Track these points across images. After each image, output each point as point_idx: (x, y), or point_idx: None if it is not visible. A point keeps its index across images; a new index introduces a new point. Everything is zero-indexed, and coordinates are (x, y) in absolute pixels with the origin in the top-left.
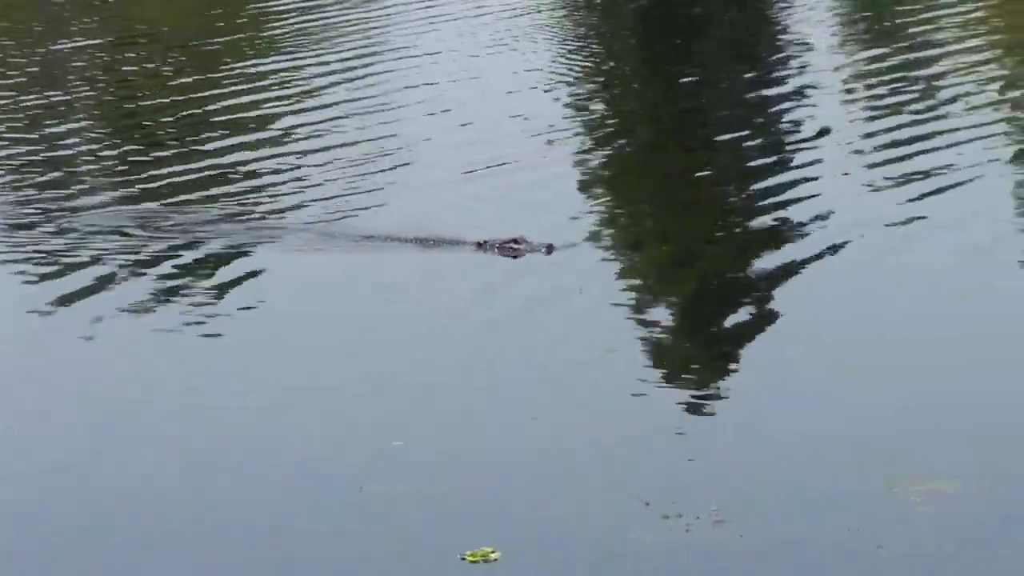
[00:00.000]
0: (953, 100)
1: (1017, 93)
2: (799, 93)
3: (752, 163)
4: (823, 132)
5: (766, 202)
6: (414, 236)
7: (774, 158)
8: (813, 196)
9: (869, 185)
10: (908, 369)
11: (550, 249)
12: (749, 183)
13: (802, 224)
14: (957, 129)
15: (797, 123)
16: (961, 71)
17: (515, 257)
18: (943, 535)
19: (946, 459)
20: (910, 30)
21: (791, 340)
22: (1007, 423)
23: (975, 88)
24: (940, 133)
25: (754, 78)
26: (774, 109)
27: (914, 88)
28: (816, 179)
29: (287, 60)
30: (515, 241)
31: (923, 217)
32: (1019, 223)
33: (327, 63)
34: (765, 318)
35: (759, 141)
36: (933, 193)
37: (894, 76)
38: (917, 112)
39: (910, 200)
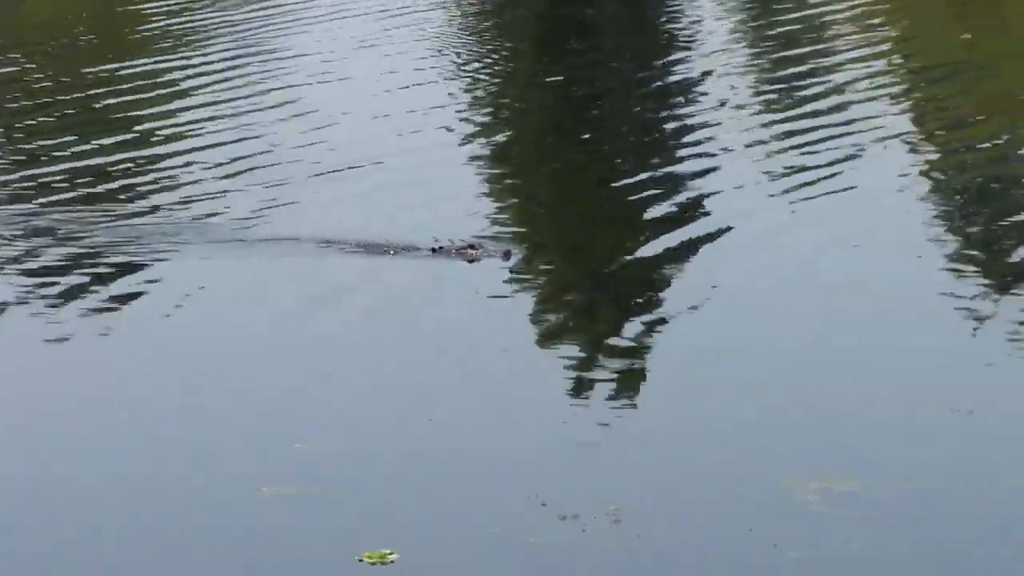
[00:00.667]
0: (840, 90)
1: (900, 83)
2: (689, 88)
3: (641, 158)
4: (713, 123)
5: (656, 194)
6: (368, 241)
7: (663, 152)
8: (704, 187)
9: (759, 175)
10: (805, 367)
11: (507, 255)
12: (637, 177)
13: (693, 218)
14: (842, 119)
15: (686, 116)
16: (846, 61)
17: (471, 262)
18: (839, 534)
19: (841, 458)
20: (797, 24)
21: (687, 341)
22: (901, 420)
23: (860, 76)
24: (826, 123)
25: (644, 75)
26: (664, 104)
27: (801, 79)
28: (707, 170)
29: (158, 61)
30: (471, 247)
31: (811, 209)
32: (900, 212)
33: (200, 64)
34: (662, 318)
35: (648, 137)
36: (818, 182)
37: (782, 68)
38: (804, 102)
39: (799, 190)
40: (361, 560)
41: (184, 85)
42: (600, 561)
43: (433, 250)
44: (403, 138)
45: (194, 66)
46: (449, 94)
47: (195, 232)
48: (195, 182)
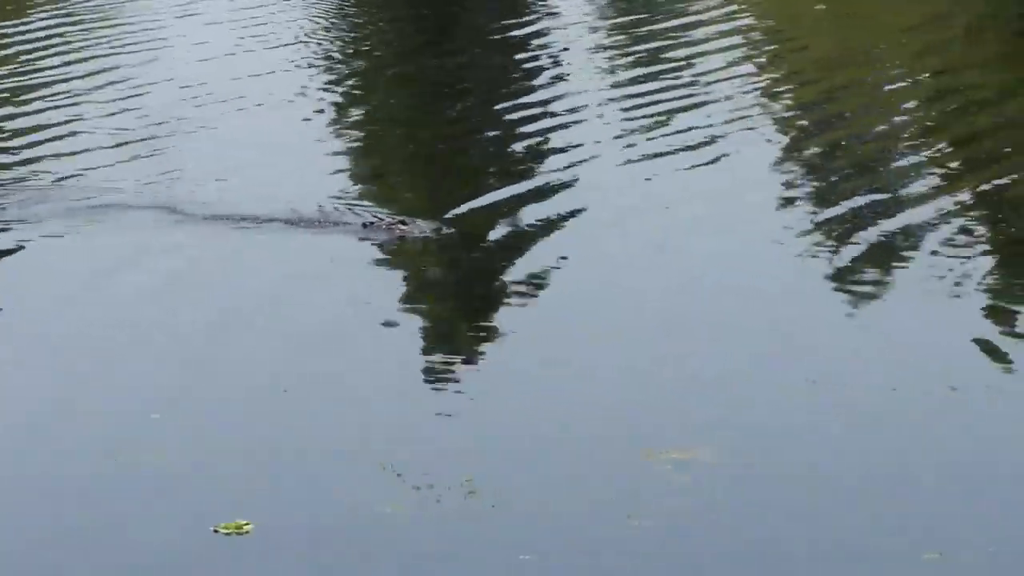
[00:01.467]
0: (707, 82)
1: (772, 72)
2: (556, 77)
3: (510, 142)
4: (578, 108)
5: (519, 171)
6: (296, 217)
7: (530, 138)
8: (565, 163)
9: (624, 160)
10: (664, 338)
11: (438, 231)
12: (505, 160)
13: (555, 192)
14: (701, 96)
15: (552, 103)
16: (714, 52)
17: (402, 238)
18: (697, 503)
19: (700, 428)
20: (669, 17)
21: (545, 313)
22: (757, 390)
23: (728, 66)
24: (693, 111)
25: (514, 61)
26: (533, 92)
27: (669, 69)
28: (571, 156)
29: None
30: (403, 222)
31: (679, 191)
32: (767, 198)
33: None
34: (520, 291)
35: (515, 120)
36: (687, 168)
37: (649, 57)
38: (670, 91)
39: (666, 173)
40: (217, 531)
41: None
42: (454, 532)
43: (364, 225)
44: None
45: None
46: (316, 76)
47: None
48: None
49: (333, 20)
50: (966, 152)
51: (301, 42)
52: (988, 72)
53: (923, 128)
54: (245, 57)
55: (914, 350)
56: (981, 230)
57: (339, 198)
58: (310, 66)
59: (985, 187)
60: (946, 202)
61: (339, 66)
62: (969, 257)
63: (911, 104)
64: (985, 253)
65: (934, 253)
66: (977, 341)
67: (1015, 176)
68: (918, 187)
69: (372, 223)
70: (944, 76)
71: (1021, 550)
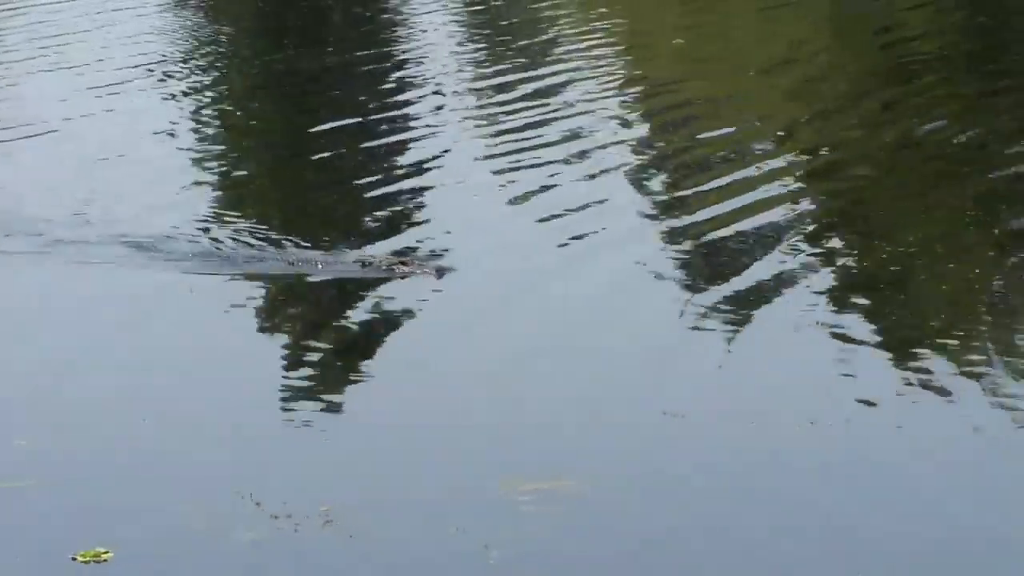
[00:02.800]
0: (569, 89)
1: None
2: (417, 84)
3: (358, 140)
4: (438, 108)
5: (375, 180)
6: (290, 259)
7: (382, 138)
8: (418, 167)
9: (473, 159)
10: (523, 368)
11: (440, 272)
12: (360, 168)
13: (410, 214)
14: (574, 120)
15: (411, 105)
16: (578, 61)
17: (403, 278)
18: (550, 534)
19: (561, 460)
20: (534, 24)
21: (407, 337)
22: (616, 420)
23: (591, 75)
24: (556, 122)
25: (378, 68)
26: (393, 98)
27: (531, 80)
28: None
29: None
30: (403, 262)
31: (540, 220)
32: (628, 228)
33: None
34: (382, 311)
35: (375, 127)
36: (549, 187)
37: (502, 58)
38: (532, 102)
39: (513, 176)
40: (75, 559)
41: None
42: (311, 560)
43: (362, 265)
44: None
45: None
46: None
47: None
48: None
49: (185, 29)
50: (827, 184)
51: (152, 56)
52: (851, 100)
53: (784, 161)
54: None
55: (773, 381)
56: (844, 260)
57: (212, 220)
58: (162, 81)
59: (847, 213)
60: (809, 232)
61: (194, 78)
62: (828, 290)
63: (771, 139)
64: (843, 283)
65: (794, 282)
66: (838, 373)
67: (875, 202)
68: (778, 218)
69: (370, 263)
70: (806, 99)
71: None
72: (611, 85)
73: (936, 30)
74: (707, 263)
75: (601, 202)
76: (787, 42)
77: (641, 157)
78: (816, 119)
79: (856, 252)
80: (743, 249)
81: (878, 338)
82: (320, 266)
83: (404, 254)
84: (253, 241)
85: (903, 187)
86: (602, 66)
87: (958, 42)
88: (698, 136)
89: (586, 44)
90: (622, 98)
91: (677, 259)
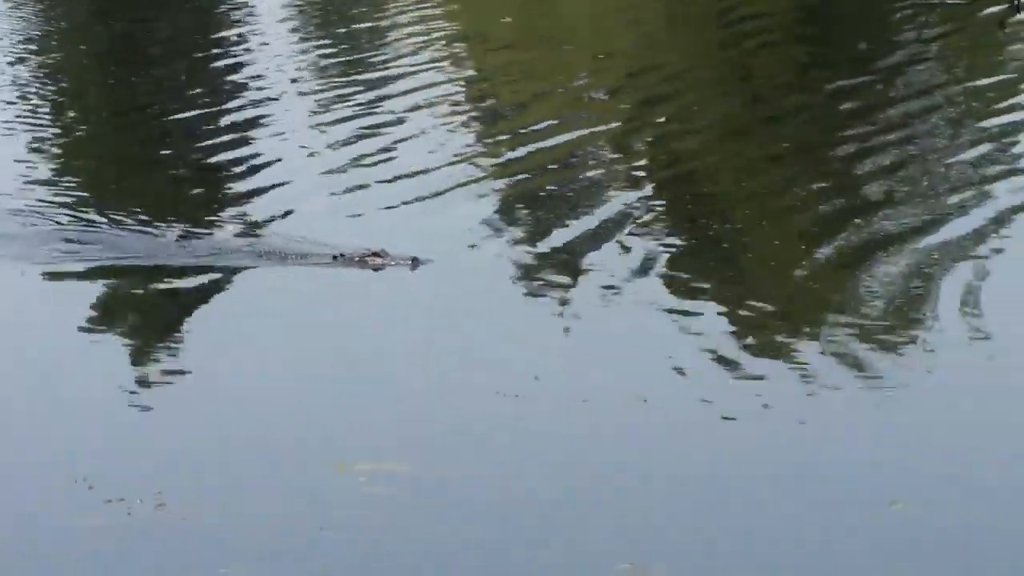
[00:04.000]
0: (404, 90)
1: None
2: (248, 86)
3: (203, 151)
4: (272, 98)
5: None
6: (260, 249)
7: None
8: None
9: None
10: (360, 355)
11: (415, 262)
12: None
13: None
14: (402, 100)
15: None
16: (409, 58)
17: (376, 270)
18: (390, 514)
19: (395, 441)
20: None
21: (243, 330)
22: (453, 405)
23: (422, 71)
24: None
25: (206, 72)
26: (226, 96)
27: (365, 78)
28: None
29: None
30: (376, 254)
31: (380, 207)
32: (461, 218)
33: None
34: (226, 309)
35: (209, 127)
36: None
37: (344, 69)
38: (366, 99)
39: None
40: None
41: None
42: (145, 544)
43: (334, 257)
44: None
45: None
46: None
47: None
48: None
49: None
50: (660, 161)
51: None
52: (686, 83)
53: (617, 144)
54: None
55: (607, 363)
56: (671, 238)
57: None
58: None
59: (678, 191)
60: (638, 208)
61: (29, 77)
62: (655, 267)
63: (607, 121)
64: (670, 259)
65: (621, 257)
66: (668, 354)
67: (707, 180)
68: (612, 201)
69: (343, 255)
70: (639, 85)
71: (709, 559)
72: (444, 65)
73: (771, 6)
74: (533, 237)
75: (428, 171)
76: (624, 20)
77: (470, 134)
78: (649, 96)
79: (686, 227)
80: (567, 218)
81: (708, 317)
82: (291, 259)
83: (378, 248)
84: None
85: (735, 163)
86: (435, 47)
87: (791, 15)
88: (527, 116)
89: (422, 28)
90: (454, 78)
91: (500, 232)
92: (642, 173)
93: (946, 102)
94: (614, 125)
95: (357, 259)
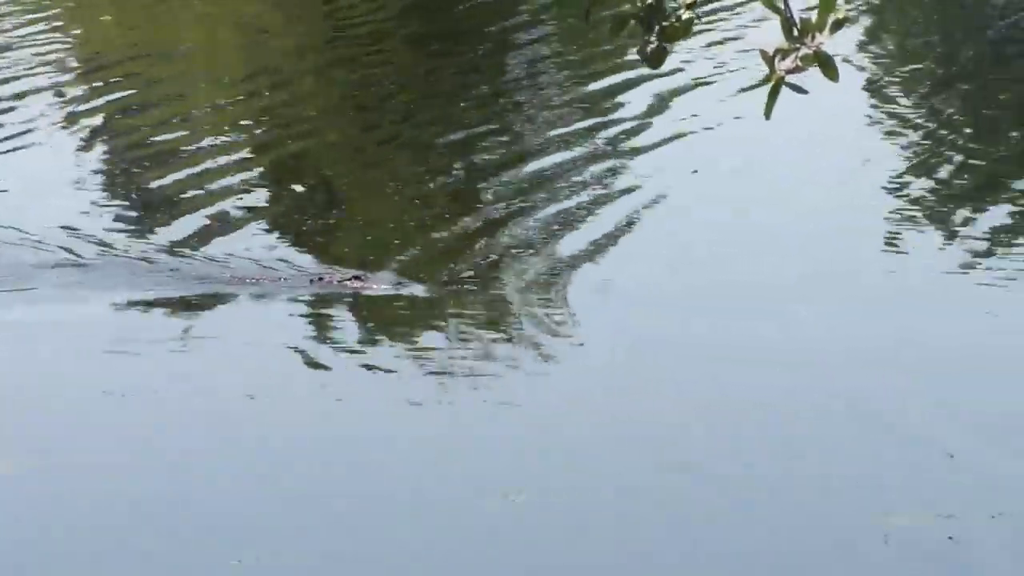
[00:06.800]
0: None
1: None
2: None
3: None
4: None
5: None
6: (232, 274)
7: None
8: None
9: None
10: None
11: (397, 284)
12: None
13: None
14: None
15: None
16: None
17: (358, 293)
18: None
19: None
20: None
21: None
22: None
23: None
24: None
25: None
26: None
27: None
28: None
29: None
30: (357, 277)
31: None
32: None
33: None
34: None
35: None
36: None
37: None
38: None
39: None
40: None
41: None
42: None
43: (311, 281)
44: None
45: None
46: None
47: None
48: None
49: None
50: (273, 154)
51: None
52: (293, 66)
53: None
54: None
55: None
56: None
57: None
58: None
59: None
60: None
61: None
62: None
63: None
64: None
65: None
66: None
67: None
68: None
69: (321, 278)
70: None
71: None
72: (48, 62)
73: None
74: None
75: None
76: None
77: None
78: (260, 86)
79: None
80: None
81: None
82: (262, 283)
83: (359, 271)
84: None
85: (335, 151)
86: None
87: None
88: (141, 115)
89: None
90: (62, 76)
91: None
92: (250, 160)
93: (551, 85)
94: (211, 111)
95: (336, 283)
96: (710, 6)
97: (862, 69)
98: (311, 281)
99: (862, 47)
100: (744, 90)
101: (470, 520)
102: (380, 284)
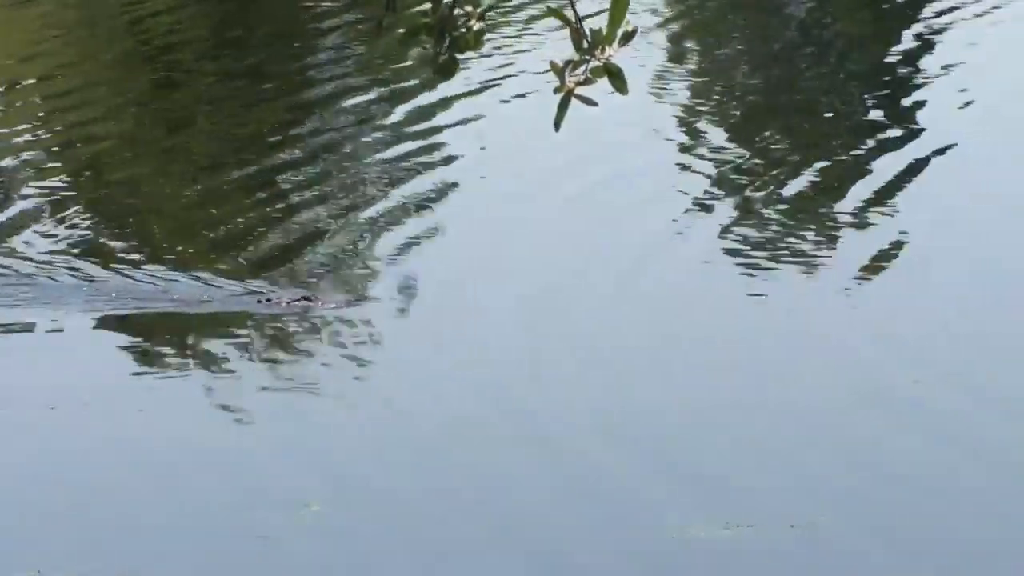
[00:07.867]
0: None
1: None
2: None
3: None
4: None
5: None
6: (178, 297)
7: None
8: None
9: None
10: None
11: (348, 303)
12: None
13: None
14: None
15: None
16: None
17: (305, 312)
18: None
19: None
20: None
21: None
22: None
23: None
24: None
25: None
26: None
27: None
28: None
29: None
30: (306, 297)
31: None
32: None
33: None
34: None
35: None
36: None
37: None
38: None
39: None
40: None
41: None
42: None
43: (259, 302)
44: None
45: None
46: None
47: None
48: None
49: None
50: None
51: None
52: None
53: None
54: None
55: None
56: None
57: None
58: None
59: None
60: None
61: None
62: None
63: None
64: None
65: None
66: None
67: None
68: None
69: (269, 300)
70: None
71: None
72: None
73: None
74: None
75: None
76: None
77: None
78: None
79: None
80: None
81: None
82: (212, 302)
83: (308, 289)
84: None
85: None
86: None
87: (200, 20)
88: None
89: None
90: None
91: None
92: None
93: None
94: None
95: (285, 303)
96: (505, 18)
97: (662, 79)
98: (259, 302)
99: (667, 59)
100: (527, 99)
101: (257, 531)
102: (329, 304)
